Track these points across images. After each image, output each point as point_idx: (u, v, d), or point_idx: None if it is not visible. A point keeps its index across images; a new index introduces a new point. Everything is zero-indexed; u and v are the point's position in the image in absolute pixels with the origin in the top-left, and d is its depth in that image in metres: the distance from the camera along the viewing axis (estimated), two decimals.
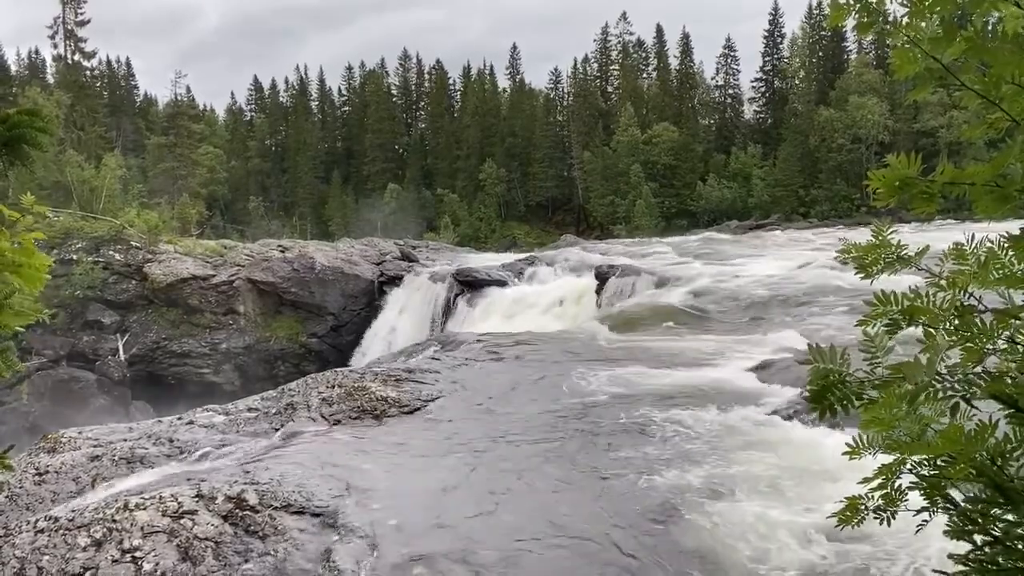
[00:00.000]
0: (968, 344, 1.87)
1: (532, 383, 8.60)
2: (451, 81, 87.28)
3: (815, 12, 70.12)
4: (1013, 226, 2.17)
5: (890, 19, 1.98)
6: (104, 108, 69.26)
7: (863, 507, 2.11)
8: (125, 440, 6.95)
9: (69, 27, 62.24)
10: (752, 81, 76.59)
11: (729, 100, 78.30)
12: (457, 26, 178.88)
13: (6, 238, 3.02)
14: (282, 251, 30.42)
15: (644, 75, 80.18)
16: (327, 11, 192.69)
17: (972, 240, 2.04)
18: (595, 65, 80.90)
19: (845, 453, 2.11)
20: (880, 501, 2.08)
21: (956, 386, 1.81)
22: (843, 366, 1.90)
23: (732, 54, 76.56)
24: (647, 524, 4.89)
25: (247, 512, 4.78)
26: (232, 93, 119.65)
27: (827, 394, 1.89)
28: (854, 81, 62.76)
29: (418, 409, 7.55)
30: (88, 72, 66.84)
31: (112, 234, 29.43)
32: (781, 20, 74.08)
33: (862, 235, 2.32)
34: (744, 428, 6.60)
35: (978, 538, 1.82)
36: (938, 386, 1.81)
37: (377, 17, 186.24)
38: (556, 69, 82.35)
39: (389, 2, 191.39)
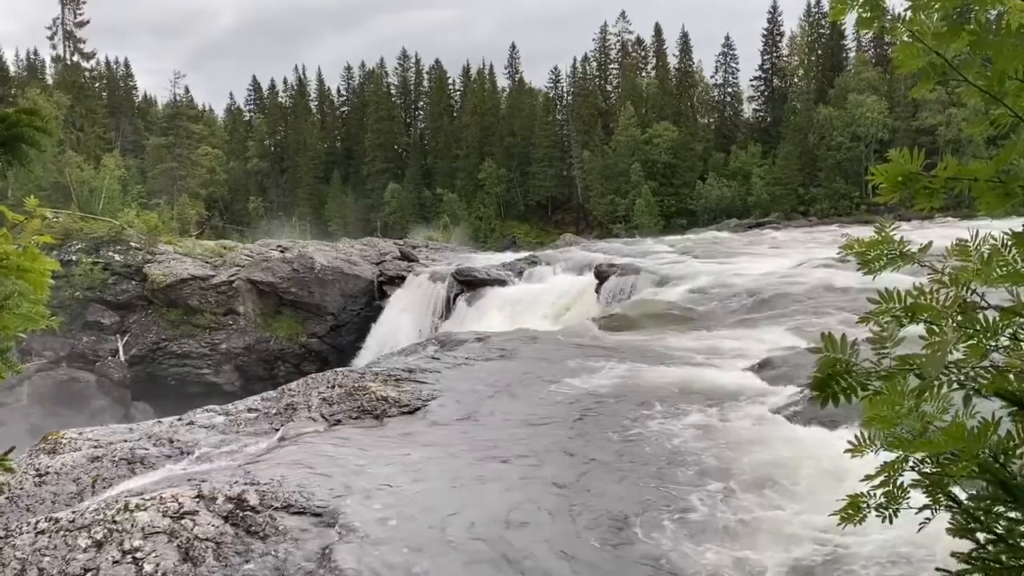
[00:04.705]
0: (971, 341, 1.86)
1: (532, 382, 8.59)
2: (451, 81, 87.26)
3: (814, 10, 70.16)
4: (1015, 223, 2.16)
5: (891, 14, 1.97)
6: (103, 109, 69.31)
7: (865, 505, 2.11)
8: (125, 441, 6.94)
9: (68, 28, 62.30)
10: (751, 80, 76.72)
11: (728, 99, 78.28)
12: (468, 24, 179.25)
13: (10, 241, 2.98)
14: (282, 251, 30.44)
15: (643, 74, 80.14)
16: (341, 12, 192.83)
17: (976, 237, 2.02)
18: (594, 64, 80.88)
19: (847, 451, 2.11)
20: (882, 499, 2.07)
21: (962, 379, 1.80)
22: (852, 356, 1.89)
23: (731, 53, 76.60)
24: (646, 523, 4.89)
25: (248, 512, 4.77)
26: (231, 93, 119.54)
27: (832, 383, 1.88)
28: (853, 79, 62.73)
29: (418, 409, 7.54)
30: (87, 73, 66.89)
31: (111, 235, 29.45)
32: (780, 19, 74.21)
33: (863, 232, 2.31)
34: (743, 426, 6.60)
35: (981, 536, 1.81)
36: (944, 380, 1.80)
37: (389, 17, 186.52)
38: (556, 68, 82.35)
39: (404, 2, 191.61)
